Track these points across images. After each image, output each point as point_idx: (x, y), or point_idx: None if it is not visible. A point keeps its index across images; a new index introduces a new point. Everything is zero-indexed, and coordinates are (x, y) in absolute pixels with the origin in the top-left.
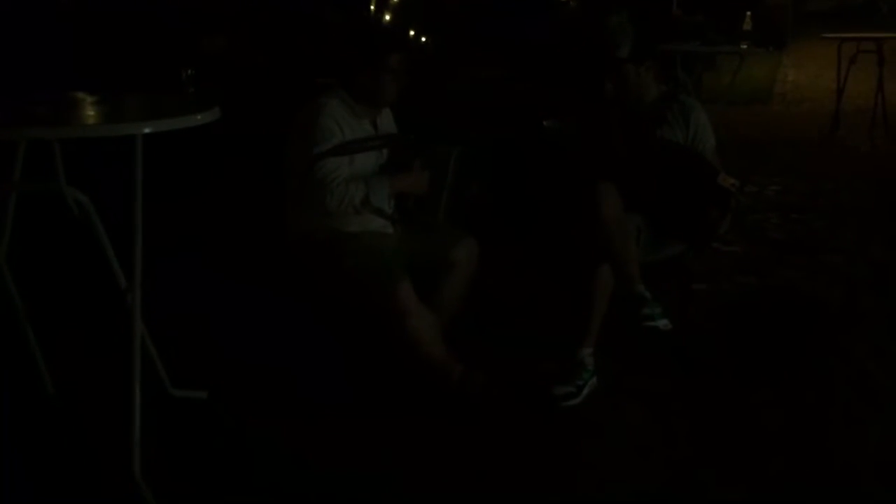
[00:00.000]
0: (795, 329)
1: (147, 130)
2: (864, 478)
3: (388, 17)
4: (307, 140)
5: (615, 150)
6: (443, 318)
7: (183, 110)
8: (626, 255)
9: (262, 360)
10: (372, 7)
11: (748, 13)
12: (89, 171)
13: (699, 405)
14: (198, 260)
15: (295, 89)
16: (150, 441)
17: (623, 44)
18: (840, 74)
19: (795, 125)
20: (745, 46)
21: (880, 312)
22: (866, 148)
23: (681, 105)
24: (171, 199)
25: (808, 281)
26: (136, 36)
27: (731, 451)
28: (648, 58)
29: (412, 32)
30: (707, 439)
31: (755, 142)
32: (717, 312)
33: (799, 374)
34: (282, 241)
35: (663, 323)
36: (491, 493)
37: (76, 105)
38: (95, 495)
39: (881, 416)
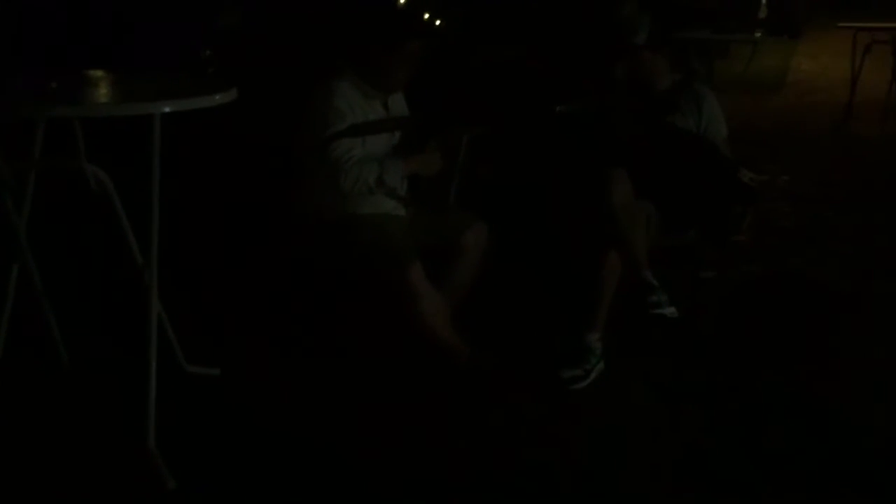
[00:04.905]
0: (803, 316)
1: (167, 109)
2: (869, 463)
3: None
4: (320, 121)
5: (627, 136)
6: (452, 300)
7: (201, 90)
8: (635, 242)
9: (275, 339)
10: None
11: (763, 1)
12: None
13: (706, 389)
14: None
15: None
16: (164, 415)
17: (640, 30)
18: (854, 64)
19: (808, 114)
20: (759, 35)
21: (888, 300)
22: (878, 138)
23: (694, 93)
24: (183, 179)
25: (817, 269)
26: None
27: (738, 434)
28: (665, 45)
29: (427, 15)
30: (714, 422)
31: (767, 130)
32: (725, 300)
33: (805, 359)
34: (289, 222)
35: (670, 311)
36: (497, 475)
37: (95, 84)
38: (111, 467)
39: (887, 401)
